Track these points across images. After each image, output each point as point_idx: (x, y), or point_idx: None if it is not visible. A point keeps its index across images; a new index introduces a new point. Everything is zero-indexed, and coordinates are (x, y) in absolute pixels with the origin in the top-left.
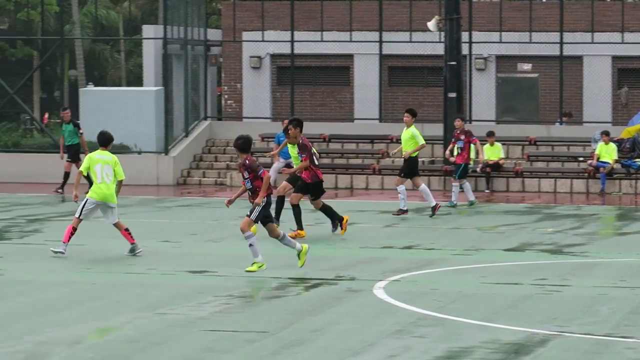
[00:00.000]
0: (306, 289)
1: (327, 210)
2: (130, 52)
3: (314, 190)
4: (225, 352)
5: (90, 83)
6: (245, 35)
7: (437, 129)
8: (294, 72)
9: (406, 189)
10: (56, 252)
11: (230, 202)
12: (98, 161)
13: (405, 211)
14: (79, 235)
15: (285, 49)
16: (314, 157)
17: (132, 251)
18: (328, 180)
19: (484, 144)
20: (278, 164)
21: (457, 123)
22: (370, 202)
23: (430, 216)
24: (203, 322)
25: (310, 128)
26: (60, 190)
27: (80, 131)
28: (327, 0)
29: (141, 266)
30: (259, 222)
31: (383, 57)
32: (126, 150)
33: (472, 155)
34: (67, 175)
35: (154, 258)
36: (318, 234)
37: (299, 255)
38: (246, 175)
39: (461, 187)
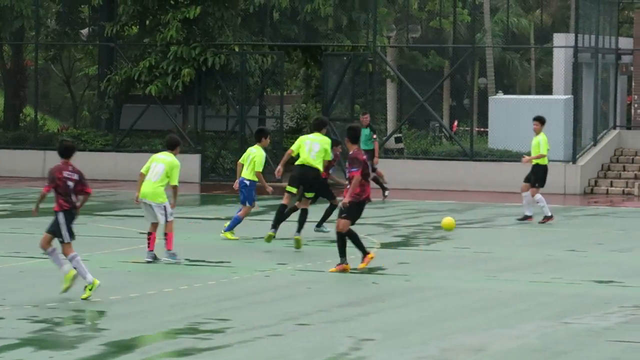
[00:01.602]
0: None
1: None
2: (540, 60)
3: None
4: None
5: (499, 91)
6: None
7: None
8: None
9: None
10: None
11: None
12: (155, 160)
13: (551, 217)
14: (485, 243)
15: None
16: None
17: (153, 258)
18: None
19: None
20: None
21: None
22: None
23: (518, 219)
24: (609, 332)
25: None
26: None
27: (374, 136)
28: None
29: (547, 275)
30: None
31: None
32: None
33: None
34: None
35: (560, 267)
36: None
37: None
38: None
39: None
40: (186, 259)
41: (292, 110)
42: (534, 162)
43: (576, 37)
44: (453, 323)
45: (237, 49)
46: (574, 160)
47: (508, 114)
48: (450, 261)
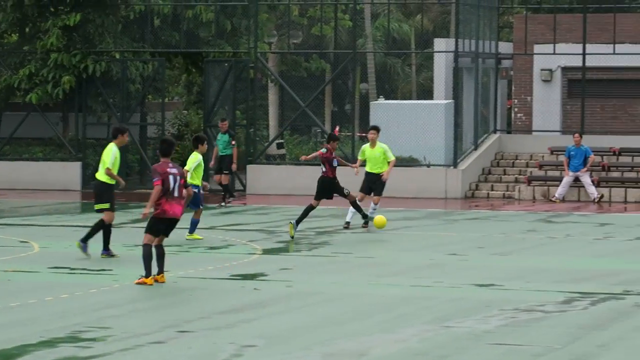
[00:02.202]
0: (593, 303)
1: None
2: (421, 65)
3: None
4: None
5: (381, 96)
6: (537, 48)
7: None
8: (585, 85)
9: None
10: None
11: None
12: None
13: (348, 224)
14: (367, 248)
15: (576, 61)
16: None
17: None
18: (617, 193)
19: None
20: (568, 177)
21: None
22: None
23: (344, 227)
24: (489, 335)
25: (601, 141)
26: (224, 203)
27: (233, 142)
28: (620, 13)
29: (428, 279)
30: None
31: None
32: (415, 163)
33: None
34: (225, 187)
35: (441, 271)
36: (606, 248)
37: None
38: None
39: None
40: (67, 267)
41: (173, 117)
42: (377, 171)
43: (456, 42)
44: (335, 328)
45: (117, 56)
46: (454, 164)
47: (389, 119)
48: (332, 266)
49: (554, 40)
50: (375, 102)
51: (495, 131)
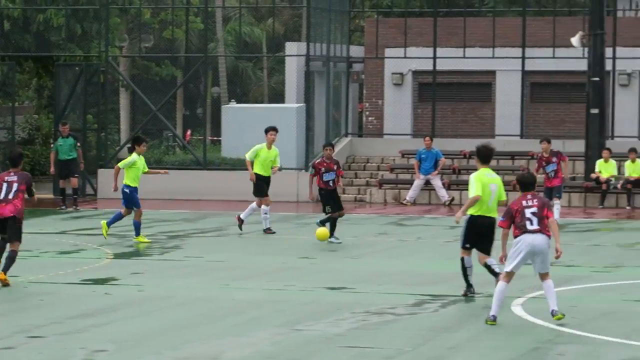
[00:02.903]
0: (444, 305)
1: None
2: (273, 69)
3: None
4: None
5: (232, 100)
6: (388, 52)
7: (579, 145)
8: (435, 89)
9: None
10: None
11: None
12: None
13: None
14: (218, 251)
15: (427, 65)
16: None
17: None
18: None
19: (626, 161)
20: (419, 181)
21: (544, 146)
22: None
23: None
24: (341, 338)
25: (451, 144)
26: (76, 206)
27: (78, 145)
28: (470, 17)
29: (280, 282)
30: None
31: (525, 74)
32: None
33: (614, 171)
34: (63, 191)
35: (293, 274)
36: (456, 251)
37: None
38: None
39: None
40: None
41: (24, 121)
42: (268, 174)
43: (308, 45)
44: (187, 332)
45: None
46: (306, 167)
47: (241, 123)
48: (184, 270)
49: (405, 44)
50: (227, 105)
51: (346, 135)
